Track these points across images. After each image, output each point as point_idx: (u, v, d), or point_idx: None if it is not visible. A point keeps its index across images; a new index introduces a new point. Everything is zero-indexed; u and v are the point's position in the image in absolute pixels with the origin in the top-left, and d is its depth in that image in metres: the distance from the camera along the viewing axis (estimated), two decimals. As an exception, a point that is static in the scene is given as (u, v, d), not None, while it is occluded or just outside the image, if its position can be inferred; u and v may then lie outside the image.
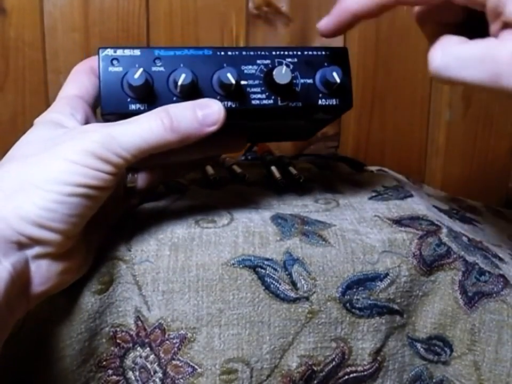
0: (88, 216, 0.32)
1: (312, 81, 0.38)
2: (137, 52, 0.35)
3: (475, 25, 0.33)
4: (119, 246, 0.37)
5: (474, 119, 0.75)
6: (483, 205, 0.57)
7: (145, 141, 0.32)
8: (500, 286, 0.38)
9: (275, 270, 0.37)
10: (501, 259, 0.41)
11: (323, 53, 0.38)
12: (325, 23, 0.36)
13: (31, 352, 0.36)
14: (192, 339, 0.36)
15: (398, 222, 0.41)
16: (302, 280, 0.37)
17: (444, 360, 0.39)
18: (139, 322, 0.36)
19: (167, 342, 0.36)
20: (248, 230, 0.38)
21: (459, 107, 0.74)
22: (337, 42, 0.68)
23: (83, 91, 0.37)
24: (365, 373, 0.38)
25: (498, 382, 0.38)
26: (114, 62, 0.35)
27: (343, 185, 0.48)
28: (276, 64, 0.37)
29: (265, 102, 0.37)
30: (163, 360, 0.36)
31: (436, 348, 0.39)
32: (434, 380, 0.39)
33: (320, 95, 0.38)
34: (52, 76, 0.69)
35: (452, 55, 0.31)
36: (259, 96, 0.37)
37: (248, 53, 0.37)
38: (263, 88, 0.37)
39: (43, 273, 0.32)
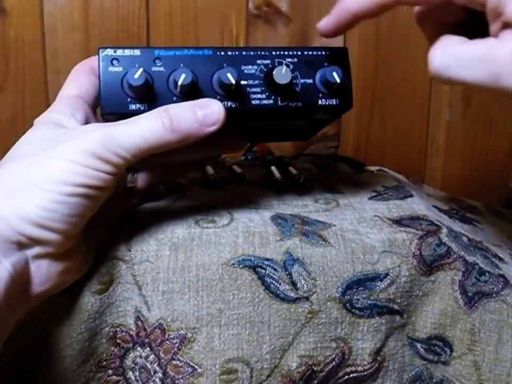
0: (88, 216, 0.32)
1: (312, 81, 0.38)
2: (137, 52, 0.35)
3: (475, 25, 0.33)
4: (119, 246, 0.37)
5: (474, 119, 0.75)
6: (483, 205, 0.57)
7: (145, 141, 0.32)
8: (500, 286, 0.38)
9: (275, 270, 0.37)
10: (501, 259, 0.41)
11: (323, 53, 0.38)
12: (324, 23, 0.36)
13: (31, 352, 0.36)
14: (192, 339, 0.36)
15: (398, 222, 0.41)
16: (302, 280, 0.37)
17: (444, 360, 0.39)
18: (139, 322, 0.36)
19: (167, 342, 0.36)
20: (248, 230, 0.38)
21: (459, 107, 0.74)
22: (337, 42, 0.68)
23: (83, 91, 0.37)
24: (365, 373, 0.38)
25: (498, 382, 0.38)
26: (114, 62, 0.35)
27: (343, 185, 0.48)
28: (276, 64, 0.37)
29: (265, 102, 0.37)
30: (163, 360, 0.36)
31: (436, 347, 0.39)
32: (434, 380, 0.39)
33: (320, 95, 0.38)
34: (52, 76, 0.69)
35: (452, 55, 0.31)
36: (259, 96, 0.37)
37: (248, 53, 0.37)
38: (263, 88, 0.37)
39: (43, 273, 0.32)
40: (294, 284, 0.37)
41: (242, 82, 0.36)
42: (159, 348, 0.36)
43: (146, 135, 0.32)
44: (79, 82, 0.37)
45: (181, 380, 0.36)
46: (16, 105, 0.69)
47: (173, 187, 0.47)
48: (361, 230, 0.40)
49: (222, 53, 0.37)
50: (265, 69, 0.37)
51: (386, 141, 0.75)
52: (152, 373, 0.36)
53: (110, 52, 0.35)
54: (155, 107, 0.34)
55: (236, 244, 0.37)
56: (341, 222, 0.40)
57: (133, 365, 0.37)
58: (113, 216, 0.39)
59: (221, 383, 0.36)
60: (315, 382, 0.37)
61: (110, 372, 0.37)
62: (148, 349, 0.36)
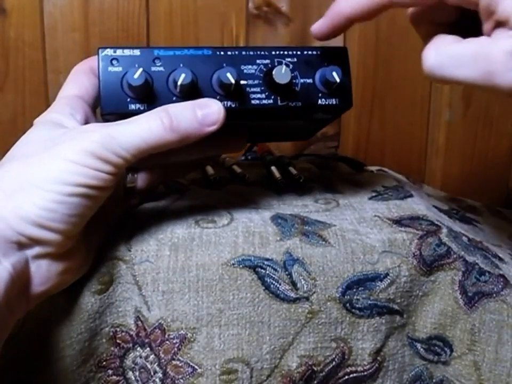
0: (88, 216, 0.32)
1: (311, 81, 0.38)
2: (136, 52, 0.35)
3: (469, 24, 0.33)
4: (119, 246, 0.37)
5: (474, 119, 0.75)
6: (483, 205, 0.57)
7: (145, 141, 0.32)
8: (500, 286, 0.38)
9: (275, 270, 0.37)
10: (501, 259, 0.41)
11: (323, 52, 0.38)
12: (318, 26, 0.36)
13: (31, 352, 0.36)
14: (192, 339, 0.36)
15: (398, 222, 0.41)
16: (302, 280, 0.37)
17: (444, 360, 0.39)
18: (139, 322, 0.36)
19: (167, 342, 0.36)
20: (248, 230, 0.38)
21: (459, 107, 0.74)
22: (337, 42, 0.68)
23: (83, 91, 0.37)
24: (365, 373, 0.38)
25: (498, 382, 0.38)
26: (114, 62, 0.35)
27: (343, 185, 0.48)
28: (276, 64, 0.37)
29: (265, 101, 0.37)
30: (163, 360, 0.36)
31: (436, 348, 0.39)
32: (434, 380, 0.39)
33: (320, 94, 0.38)
34: (52, 76, 0.69)
35: (446, 54, 0.32)
36: (259, 96, 0.37)
37: (247, 52, 0.37)
38: (262, 88, 0.37)
39: (43, 273, 0.32)
40: (294, 284, 0.37)
41: (242, 82, 0.36)
42: (159, 348, 0.36)
43: (146, 135, 0.32)
44: (79, 82, 0.37)
45: (181, 380, 0.36)
46: (16, 105, 0.69)
47: (173, 187, 0.46)
48: (361, 230, 0.40)
49: (222, 53, 0.37)
50: (264, 69, 0.37)
51: (386, 141, 0.75)
52: (152, 373, 0.36)
53: (109, 51, 0.35)
54: (155, 107, 0.34)
55: (236, 244, 0.37)
56: (341, 222, 0.40)
57: (133, 365, 0.37)
58: (113, 216, 0.39)
59: (221, 383, 0.36)
60: (315, 382, 0.37)
61: (110, 372, 0.37)
62: (148, 349, 0.36)
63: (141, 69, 0.34)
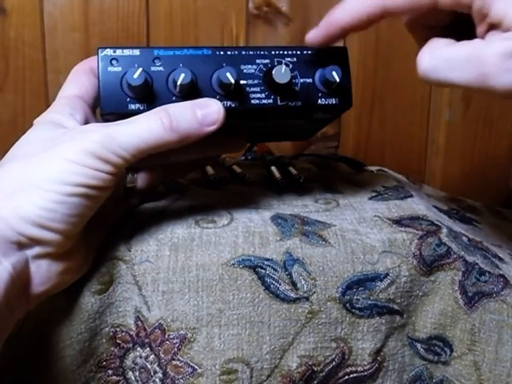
0: (88, 216, 0.32)
1: (311, 81, 0.38)
2: (136, 52, 0.35)
3: (463, 27, 0.34)
4: (119, 246, 0.37)
5: (474, 119, 0.75)
6: (483, 205, 0.57)
7: (145, 141, 0.32)
8: (500, 286, 0.38)
9: (275, 270, 0.37)
10: (501, 259, 0.41)
11: (323, 52, 0.38)
12: (313, 35, 0.37)
13: (31, 352, 0.36)
14: (192, 339, 0.36)
15: (398, 222, 0.41)
16: (302, 280, 0.37)
17: (444, 360, 0.39)
18: (139, 322, 0.36)
19: (167, 342, 0.36)
20: (248, 230, 0.38)
21: (459, 107, 0.74)
22: (337, 42, 0.68)
23: (83, 91, 0.37)
24: (365, 373, 0.38)
25: (498, 382, 0.38)
26: (114, 62, 0.35)
27: (343, 185, 0.48)
28: (275, 64, 0.37)
29: (264, 101, 0.37)
30: (163, 361, 0.36)
31: (436, 348, 0.39)
32: (434, 380, 0.39)
33: (320, 94, 0.38)
34: (52, 76, 0.69)
35: (440, 57, 0.32)
36: (258, 95, 0.37)
37: (247, 52, 0.37)
38: (262, 88, 0.37)
39: (43, 273, 0.32)
40: (294, 284, 0.37)
41: (242, 81, 0.36)
42: (159, 348, 0.36)
43: (145, 135, 0.32)
44: (78, 82, 0.37)
45: (181, 380, 0.36)
46: (16, 106, 0.69)
47: (173, 187, 0.46)
48: (361, 230, 0.40)
49: (221, 53, 0.37)
50: (264, 69, 0.37)
51: (386, 141, 0.75)
52: (152, 373, 0.36)
53: (109, 51, 0.35)
54: (154, 107, 0.34)
55: (236, 244, 0.37)
56: (341, 222, 0.40)
57: (133, 365, 0.37)
58: (113, 216, 0.39)
59: (221, 383, 0.36)
60: (315, 382, 0.37)
61: (110, 372, 0.37)
62: (148, 349, 0.36)
63: (140, 69, 0.34)
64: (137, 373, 0.37)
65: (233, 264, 0.36)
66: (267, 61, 0.37)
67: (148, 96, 0.35)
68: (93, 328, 0.36)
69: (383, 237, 0.39)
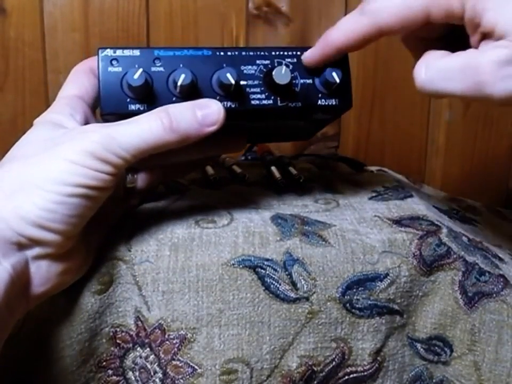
0: (88, 217, 0.32)
1: (311, 82, 0.38)
2: (136, 52, 0.35)
3: (459, 38, 0.34)
4: (119, 246, 0.37)
5: (474, 119, 0.75)
6: (483, 205, 0.57)
7: (145, 141, 0.32)
8: (500, 286, 0.38)
9: (275, 270, 0.37)
10: (501, 259, 0.41)
11: None
12: (310, 54, 0.37)
13: (31, 352, 0.36)
14: (192, 339, 0.36)
15: (398, 222, 0.41)
16: (302, 280, 0.37)
17: (444, 360, 0.39)
18: (139, 322, 0.36)
19: (167, 342, 0.36)
20: (248, 230, 0.38)
21: (459, 107, 0.74)
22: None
23: (82, 91, 0.37)
24: (365, 373, 0.38)
25: (498, 382, 0.38)
26: (114, 62, 0.35)
27: (343, 185, 0.48)
28: (276, 64, 0.37)
29: (264, 102, 0.37)
30: (163, 361, 0.36)
31: (436, 348, 0.39)
32: (434, 380, 0.39)
33: (320, 95, 0.38)
34: (52, 76, 0.69)
35: (435, 69, 0.32)
36: (259, 96, 0.37)
37: (247, 53, 0.37)
38: (262, 89, 0.37)
39: (43, 273, 0.32)
40: (294, 284, 0.37)
41: (242, 82, 0.36)
42: (159, 348, 0.36)
43: (146, 136, 0.32)
44: (78, 82, 0.37)
45: (181, 380, 0.36)
46: (16, 106, 0.69)
47: (173, 187, 0.46)
48: (361, 230, 0.40)
49: (222, 53, 0.37)
50: (264, 69, 0.37)
51: (386, 141, 0.75)
52: (152, 373, 0.36)
53: (109, 52, 0.35)
54: (155, 107, 0.34)
55: (236, 244, 0.37)
56: (341, 222, 0.40)
57: (133, 365, 0.37)
58: (113, 216, 0.39)
59: (221, 383, 0.36)
60: (315, 382, 0.37)
61: (110, 372, 0.37)
62: (148, 349, 0.36)
63: (141, 69, 0.34)
64: (137, 373, 0.37)
65: (233, 264, 0.36)
66: (267, 61, 0.37)
67: (148, 96, 0.35)
68: (93, 328, 0.36)
69: (383, 237, 0.39)
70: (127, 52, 0.35)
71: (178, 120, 0.32)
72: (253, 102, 0.37)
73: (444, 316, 0.39)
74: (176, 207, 0.42)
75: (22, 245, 0.30)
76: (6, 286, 0.29)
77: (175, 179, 0.48)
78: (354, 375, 0.38)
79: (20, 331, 0.35)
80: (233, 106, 0.36)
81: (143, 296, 0.36)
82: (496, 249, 0.43)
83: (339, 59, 0.38)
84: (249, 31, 0.70)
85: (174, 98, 0.35)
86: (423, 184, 0.62)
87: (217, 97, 0.36)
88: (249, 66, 0.37)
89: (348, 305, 0.37)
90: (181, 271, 0.36)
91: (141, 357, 0.36)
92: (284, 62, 0.37)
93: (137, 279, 0.36)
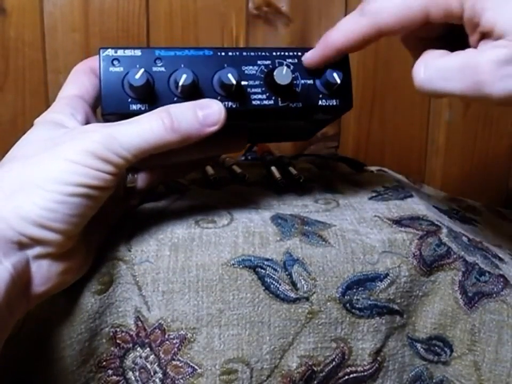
0: (88, 216, 0.32)
1: (312, 82, 0.38)
2: (138, 52, 0.35)
3: (457, 37, 0.34)
4: (119, 246, 0.37)
5: (474, 119, 0.75)
6: (483, 205, 0.57)
7: (146, 141, 0.32)
8: (500, 286, 0.38)
9: (275, 270, 0.37)
10: (501, 259, 0.41)
11: None
12: (311, 55, 0.38)
13: (31, 352, 0.36)
14: (192, 339, 0.36)
15: (398, 222, 0.41)
16: (302, 280, 0.37)
17: (444, 361, 0.39)
18: (139, 322, 0.36)
19: (167, 342, 0.36)
20: (248, 230, 0.38)
21: (459, 107, 0.74)
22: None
23: (83, 91, 0.37)
24: (365, 373, 0.38)
25: (499, 382, 0.38)
26: (115, 62, 0.35)
27: (343, 185, 0.48)
28: (277, 65, 0.37)
29: (265, 102, 0.37)
30: (163, 361, 0.36)
31: (436, 348, 0.39)
32: (434, 380, 0.39)
33: (321, 95, 0.38)
34: (52, 76, 0.69)
35: (434, 68, 0.32)
36: (259, 96, 0.37)
37: (248, 53, 0.37)
38: (263, 89, 0.37)
39: (43, 273, 0.32)
40: (294, 284, 0.37)
41: (243, 82, 0.36)
42: (159, 348, 0.36)
43: (147, 135, 0.32)
44: (79, 82, 0.37)
45: (181, 380, 0.36)
46: (16, 106, 0.69)
47: (173, 187, 0.47)
48: (361, 230, 0.40)
49: (223, 54, 0.37)
50: (265, 70, 0.37)
51: (386, 141, 0.75)
52: (152, 373, 0.36)
53: (110, 52, 0.35)
54: (156, 107, 0.34)
55: (236, 244, 0.37)
56: (341, 222, 0.40)
57: (133, 365, 0.37)
58: (113, 216, 0.39)
59: (221, 383, 0.36)
60: (315, 382, 0.37)
61: (110, 372, 0.37)
62: (148, 349, 0.36)
63: (142, 69, 0.34)
64: (137, 373, 0.37)
65: (233, 264, 0.36)
66: (268, 62, 0.37)
67: (150, 96, 0.35)
68: (93, 328, 0.36)
69: (383, 237, 0.39)
70: (128, 52, 0.35)
71: (179, 120, 0.32)
72: (253, 102, 0.37)
73: (444, 316, 0.39)
74: (176, 207, 0.42)
75: (22, 245, 0.30)
76: (7, 286, 0.29)
77: (175, 179, 0.48)
78: (354, 375, 0.38)
79: (20, 331, 0.35)
80: (234, 106, 0.36)
81: (143, 296, 0.36)
82: (496, 249, 0.43)
83: (340, 60, 0.38)
84: (249, 31, 0.70)
85: (175, 98, 0.35)
86: (423, 184, 0.62)
87: (218, 98, 0.36)
88: (250, 67, 0.37)
89: (347, 305, 0.37)
90: (181, 271, 0.36)
91: (141, 357, 0.36)
92: (285, 62, 0.37)
93: (137, 279, 0.36)
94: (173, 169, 0.42)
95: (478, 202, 0.58)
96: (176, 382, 0.36)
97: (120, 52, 0.35)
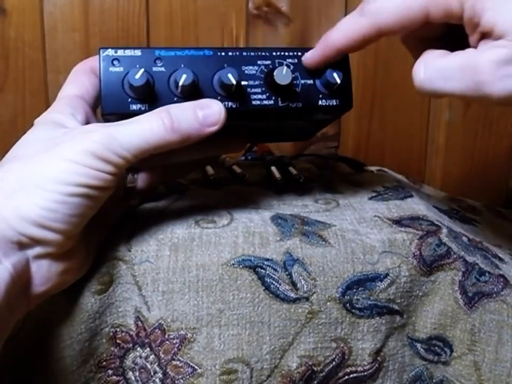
0: (88, 216, 0.32)
1: (312, 82, 0.38)
2: (138, 52, 0.35)
3: (458, 37, 0.34)
4: (119, 246, 0.37)
5: (474, 119, 0.75)
6: (483, 205, 0.57)
7: (146, 141, 0.32)
8: (500, 286, 0.38)
9: (275, 270, 0.37)
10: (501, 259, 0.41)
11: None
12: (311, 55, 0.38)
13: (31, 352, 0.36)
14: (192, 339, 0.36)
15: (398, 222, 0.41)
16: (302, 280, 0.37)
17: (444, 361, 0.39)
18: (139, 322, 0.36)
19: (167, 342, 0.36)
20: (248, 230, 0.38)
21: (459, 107, 0.74)
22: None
23: (83, 91, 0.37)
24: (365, 373, 0.38)
25: (498, 382, 0.38)
26: (115, 62, 0.35)
27: (343, 185, 0.48)
28: (277, 65, 0.37)
29: (265, 102, 0.37)
30: (163, 361, 0.36)
31: (436, 348, 0.39)
32: (434, 380, 0.39)
33: (321, 95, 0.38)
34: (52, 76, 0.69)
35: (434, 68, 0.32)
36: (259, 96, 0.37)
37: (248, 53, 0.37)
38: (263, 89, 0.37)
39: (43, 273, 0.32)
40: (294, 284, 0.37)
41: (243, 82, 0.36)
42: (159, 348, 0.36)
43: (147, 135, 0.32)
44: (79, 82, 0.37)
45: (181, 380, 0.36)
46: (16, 106, 0.69)
47: (173, 187, 0.47)
48: (361, 230, 0.40)
49: (223, 54, 0.37)
50: (265, 70, 0.37)
51: (386, 141, 0.75)
52: (152, 373, 0.36)
53: (110, 52, 0.35)
54: (156, 107, 0.34)
55: (236, 244, 0.37)
56: (341, 222, 0.40)
57: (133, 365, 0.37)
58: (113, 216, 0.39)
59: (221, 383, 0.36)
60: (315, 382, 0.37)
61: (110, 372, 0.37)
62: (148, 349, 0.36)
63: (142, 69, 0.34)
64: (137, 373, 0.37)
65: (233, 264, 0.36)
66: (268, 62, 0.37)
67: (150, 96, 0.35)
68: (93, 328, 0.36)
69: (383, 237, 0.39)
70: (128, 52, 0.35)
71: (179, 120, 0.32)
72: (253, 102, 0.37)
73: (444, 316, 0.39)
74: (176, 207, 0.42)
75: (22, 245, 0.30)
76: (7, 286, 0.29)
77: (175, 179, 0.48)
78: (354, 375, 0.38)
79: (19, 331, 0.35)
80: (234, 106, 0.36)
81: (143, 296, 0.36)
82: (496, 249, 0.43)
83: (340, 60, 0.38)
84: (249, 31, 0.70)
85: (175, 98, 0.35)
86: (423, 184, 0.62)
87: (218, 98, 0.36)
88: (250, 67, 0.37)
89: (348, 305, 0.37)
90: (181, 271, 0.36)
91: (141, 357, 0.36)
92: (285, 62, 0.37)
93: (137, 279, 0.36)
94: (173, 169, 0.42)
95: (478, 202, 0.58)
96: (176, 382, 0.36)
97: (120, 52, 0.35)
